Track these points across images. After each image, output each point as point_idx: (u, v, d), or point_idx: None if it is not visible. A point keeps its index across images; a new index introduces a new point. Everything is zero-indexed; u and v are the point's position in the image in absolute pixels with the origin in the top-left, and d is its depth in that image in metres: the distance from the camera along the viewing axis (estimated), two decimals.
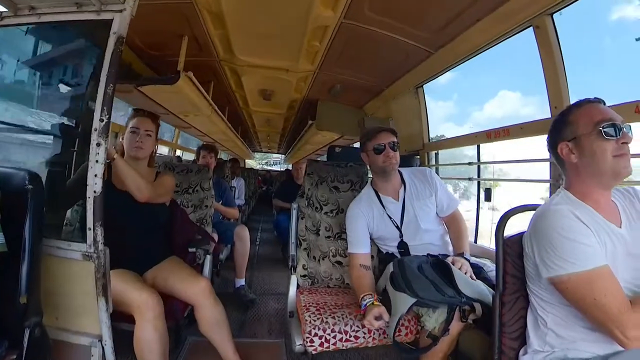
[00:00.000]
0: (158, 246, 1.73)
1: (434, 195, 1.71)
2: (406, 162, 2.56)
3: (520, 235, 1.07)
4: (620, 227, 0.95)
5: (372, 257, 1.75)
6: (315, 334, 1.37)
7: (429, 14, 1.80)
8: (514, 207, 1.22)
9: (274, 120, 5.30)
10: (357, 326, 1.41)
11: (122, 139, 1.71)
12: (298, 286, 1.85)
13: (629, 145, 0.93)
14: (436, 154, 2.85)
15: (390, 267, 1.48)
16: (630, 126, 0.95)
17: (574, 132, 0.98)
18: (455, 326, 1.29)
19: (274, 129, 6.36)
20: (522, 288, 1.08)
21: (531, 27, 1.62)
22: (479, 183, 2.51)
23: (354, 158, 2.13)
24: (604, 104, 0.99)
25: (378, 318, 1.31)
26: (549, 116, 1.62)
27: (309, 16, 1.92)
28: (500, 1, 1.57)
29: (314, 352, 1.37)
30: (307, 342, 1.37)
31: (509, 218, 1.13)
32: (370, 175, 1.95)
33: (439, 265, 1.42)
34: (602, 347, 0.89)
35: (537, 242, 0.95)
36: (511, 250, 1.09)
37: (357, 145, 4.13)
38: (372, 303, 1.38)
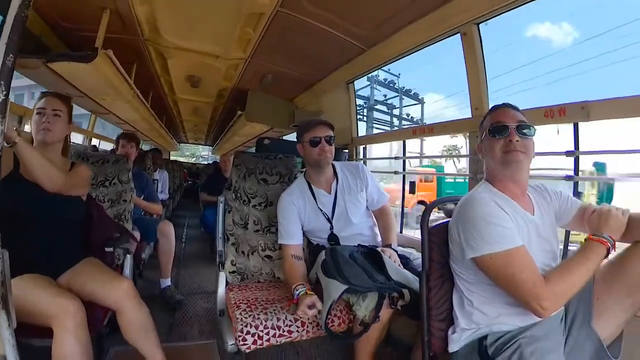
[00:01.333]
0: (73, 246, 1.50)
1: (365, 190, 1.75)
2: (335, 155, 2.63)
3: (443, 224, 1.17)
4: (534, 215, 1.10)
5: (303, 249, 1.75)
6: (248, 332, 1.32)
7: (366, 11, 1.84)
8: (438, 199, 1.36)
9: (201, 109, 5.02)
10: (291, 320, 1.40)
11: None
12: (227, 283, 1.77)
13: (518, 143, 1.05)
14: (364, 148, 2.95)
15: (322, 256, 1.50)
16: (523, 126, 1.07)
17: (482, 134, 1.16)
18: (385, 313, 1.34)
19: (201, 119, 6.02)
20: (446, 273, 1.17)
21: (459, 34, 1.76)
22: (404, 177, 2.67)
23: (283, 150, 2.12)
24: (514, 108, 1.13)
25: (311, 307, 1.33)
26: (470, 116, 1.78)
27: (245, 1, 1.83)
28: (433, 7, 1.68)
29: (247, 351, 1.33)
30: (239, 340, 1.31)
31: (432, 209, 1.23)
32: (301, 168, 1.95)
33: (370, 254, 1.48)
34: (522, 319, 1.00)
35: (462, 226, 1.04)
36: (436, 238, 1.17)
37: (287, 137, 4.13)
38: (305, 292, 1.39)
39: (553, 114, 1.42)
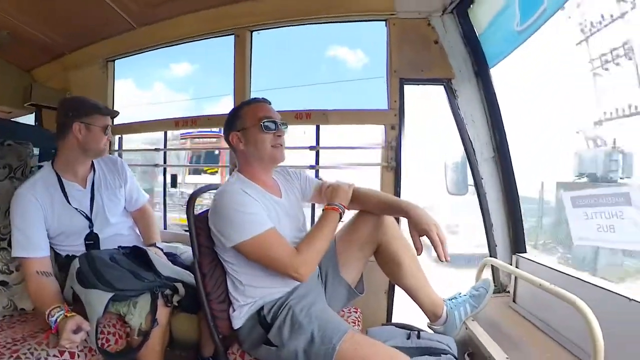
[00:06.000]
0: None
1: (124, 187, 1.54)
2: None
3: (207, 212, 1.19)
4: (281, 198, 1.25)
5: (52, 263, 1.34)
6: None
7: None
8: (200, 188, 1.36)
9: None
10: (56, 355, 1.05)
11: None
12: None
13: (284, 138, 1.21)
14: (120, 139, 2.51)
15: (75, 265, 1.19)
16: (286, 124, 1.23)
17: (242, 124, 1.19)
18: (163, 313, 1.23)
19: None
20: (217, 257, 1.20)
21: (233, 35, 1.89)
22: (165, 170, 2.44)
23: (14, 135, 1.59)
24: (270, 104, 1.25)
25: (77, 331, 1.05)
26: None
27: None
28: (214, 4, 1.74)
29: None
30: None
31: (197, 197, 1.27)
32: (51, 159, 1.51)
33: (134, 253, 1.30)
34: (287, 284, 1.15)
35: (217, 218, 1.10)
36: (203, 225, 1.19)
37: (20, 119, 3.09)
38: (64, 315, 1.08)
39: (302, 116, 1.79)
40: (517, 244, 1.71)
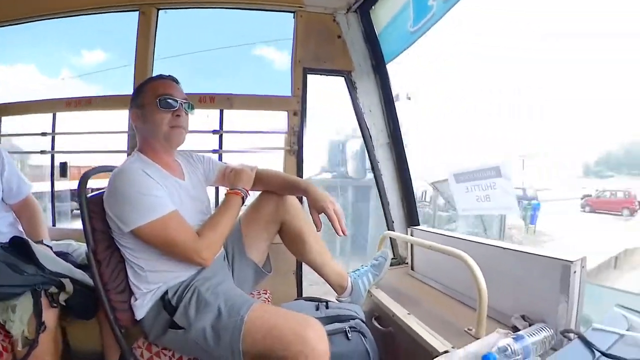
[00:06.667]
0: None
1: (1, 176, 1.35)
2: None
3: (100, 195, 1.07)
4: (183, 180, 1.19)
5: None
6: None
7: None
8: (94, 167, 1.23)
9: None
10: None
11: None
12: None
13: (185, 119, 1.13)
14: None
15: None
16: (191, 105, 1.16)
17: (142, 101, 1.11)
18: (50, 315, 1.10)
19: None
20: (114, 243, 1.10)
21: (138, 12, 1.78)
22: (52, 156, 2.08)
23: None
24: (177, 82, 1.17)
25: None
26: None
27: None
28: None
29: None
30: None
31: (88, 178, 1.13)
32: None
33: (14, 246, 1.14)
34: (192, 267, 1.10)
35: (115, 200, 1.01)
36: (97, 208, 1.07)
37: None
38: None
39: (206, 100, 1.78)
40: (412, 219, 1.96)
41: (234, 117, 1.90)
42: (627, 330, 0.88)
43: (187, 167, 1.26)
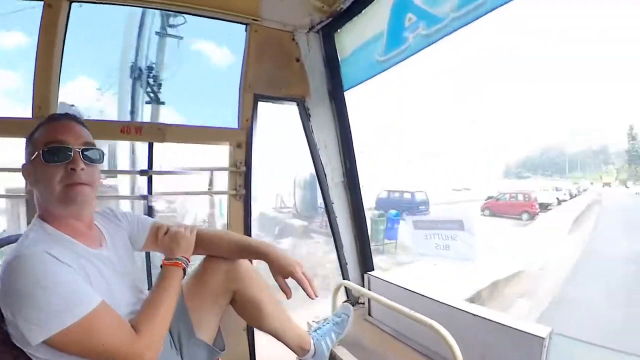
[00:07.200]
0: None
1: None
2: None
3: None
4: (106, 250, 0.92)
5: None
6: None
7: None
8: None
9: None
10: None
11: None
12: None
13: (86, 171, 0.84)
14: None
15: None
16: (98, 151, 0.89)
17: (31, 152, 0.84)
18: None
19: None
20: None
21: (42, 3, 1.34)
22: None
23: None
24: (78, 122, 0.89)
25: None
26: (30, 116, 1.33)
27: None
28: None
29: None
30: None
31: None
32: None
33: None
34: None
35: (15, 302, 0.72)
36: None
37: None
38: None
39: (130, 130, 1.36)
40: (366, 263, 1.84)
41: (168, 153, 1.57)
42: None
43: (108, 230, 0.98)
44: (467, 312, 1.16)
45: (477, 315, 1.13)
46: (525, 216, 14.05)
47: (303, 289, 1.04)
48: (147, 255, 1.46)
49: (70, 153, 0.82)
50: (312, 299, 1.03)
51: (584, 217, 13.92)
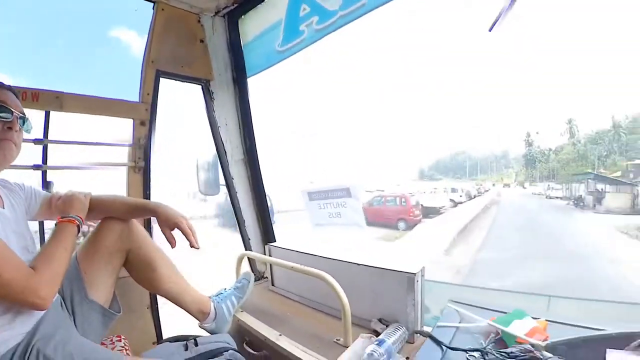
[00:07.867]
0: None
1: None
2: None
3: None
4: (4, 209, 0.95)
5: None
6: None
7: None
8: None
9: None
10: None
11: None
12: None
13: (16, 134, 0.94)
14: None
15: None
16: (28, 122, 1.00)
17: None
18: None
19: None
20: None
21: None
22: None
23: None
24: (15, 94, 0.98)
25: None
26: None
27: None
28: None
29: None
30: None
31: None
32: None
33: None
34: (23, 324, 0.86)
35: None
36: None
37: None
38: None
39: (26, 96, 1.26)
40: (268, 235, 1.96)
41: (66, 123, 1.40)
42: (460, 322, 1.16)
43: (7, 195, 1.00)
44: (353, 263, 1.31)
45: (361, 264, 1.29)
46: (402, 225, 11.41)
47: (188, 239, 1.12)
48: (41, 228, 1.34)
49: (10, 115, 0.92)
50: (196, 248, 1.11)
51: (475, 223, 12.40)
